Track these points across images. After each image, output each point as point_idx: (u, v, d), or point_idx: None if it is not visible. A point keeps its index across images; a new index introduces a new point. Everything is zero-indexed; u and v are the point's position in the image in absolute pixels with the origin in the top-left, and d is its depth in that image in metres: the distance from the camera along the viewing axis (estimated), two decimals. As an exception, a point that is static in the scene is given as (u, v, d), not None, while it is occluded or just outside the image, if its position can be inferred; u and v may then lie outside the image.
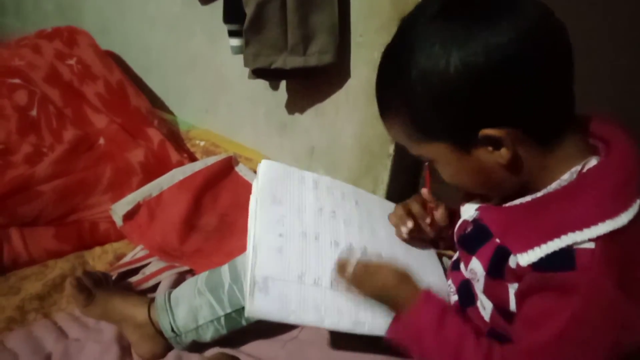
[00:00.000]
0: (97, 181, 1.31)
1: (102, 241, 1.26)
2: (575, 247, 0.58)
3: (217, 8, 1.34)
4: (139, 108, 1.56)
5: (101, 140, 1.43)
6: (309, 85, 1.36)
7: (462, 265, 0.79)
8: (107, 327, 1.00)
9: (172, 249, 1.19)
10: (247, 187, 1.27)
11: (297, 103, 1.44)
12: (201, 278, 0.97)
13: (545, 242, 0.59)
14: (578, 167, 0.62)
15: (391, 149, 1.29)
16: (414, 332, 0.71)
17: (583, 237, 0.57)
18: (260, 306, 0.75)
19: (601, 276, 0.57)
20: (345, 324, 0.78)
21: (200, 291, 0.95)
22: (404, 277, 0.74)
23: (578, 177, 0.61)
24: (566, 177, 0.62)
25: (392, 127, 0.69)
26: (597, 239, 0.57)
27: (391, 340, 0.75)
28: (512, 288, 0.65)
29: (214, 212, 1.29)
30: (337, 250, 0.85)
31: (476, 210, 0.75)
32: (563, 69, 0.60)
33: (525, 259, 0.60)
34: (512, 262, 0.63)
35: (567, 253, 0.58)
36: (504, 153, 0.61)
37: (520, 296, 0.64)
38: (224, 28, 1.30)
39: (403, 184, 1.34)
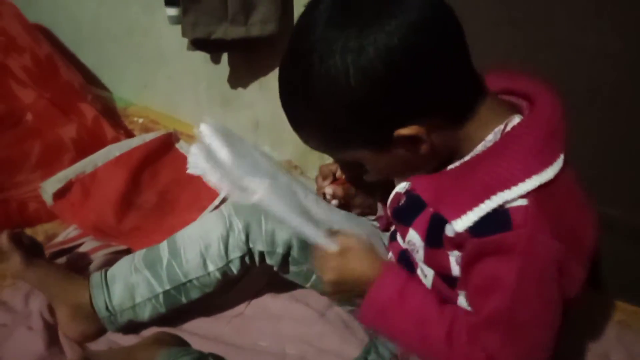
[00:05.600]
0: (25, 158, 1.23)
1: (31, 222, 1.18)
2: (507, 206, 0.58)
3: (153, -26, 1.27)
4: (70, 83, 1.46)
5: (28, 116, 1.33)
6: (252, 58, 1.32)
7: (399, 237, 0.78)
8: (35, 310, 0.94)
9: (108, 227, 1.13)
10: (188, 164, 1.22)
11: (240, 76, 1.39)
12: (138, 255, 0.93)
13: (477, 204, 0.59)
14: (501, 127, 0.62)
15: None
16: (379, 310, 0.69)
17: (512, 195, 0.57)
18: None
19: (537, 231, 0.57)
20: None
21: (137, 268, 0.90)
22: (371, 255, 0.73)
23: (502, 136, 0.61)
24: (490, 138, 0.62)
25: (309, 140, 0.67)
26: (527, 195, 0.57)
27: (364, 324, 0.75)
28: (453, 256, 0.65)
29: (153, 189, 1.24)
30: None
31: (407, 180, 0.74)
32: (458, 50, 0.59)
33: (460, 225, 0.60)
34: (448, 230, 0.63)
35: (501, 214, 0.58)
36: (422, 146, 0.61)
37: (465, 265, 0.63)
38: (161, -4, 1.23)
39: (350, 157, 1.34)
